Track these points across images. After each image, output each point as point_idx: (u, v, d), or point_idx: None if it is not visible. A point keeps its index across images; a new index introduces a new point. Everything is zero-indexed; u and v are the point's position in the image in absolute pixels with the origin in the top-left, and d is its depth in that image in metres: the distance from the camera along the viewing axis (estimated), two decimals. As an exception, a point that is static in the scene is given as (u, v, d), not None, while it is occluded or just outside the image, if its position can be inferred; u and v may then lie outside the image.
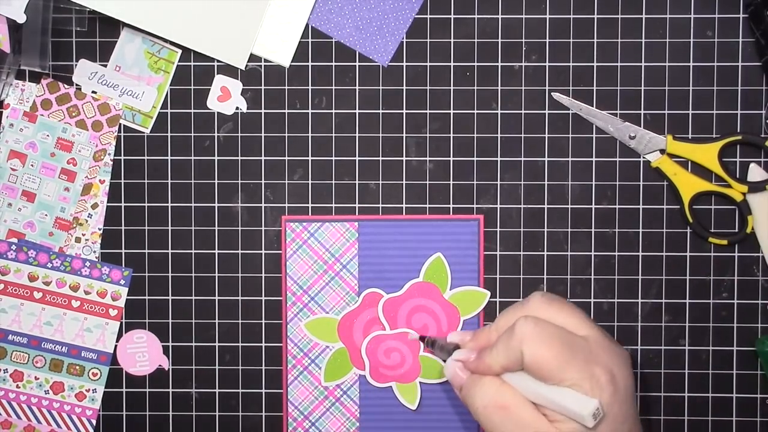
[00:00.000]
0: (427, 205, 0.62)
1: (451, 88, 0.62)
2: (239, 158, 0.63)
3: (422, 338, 0.61)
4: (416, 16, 0.62)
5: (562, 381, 0.49)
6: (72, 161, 0.62)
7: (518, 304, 0.54)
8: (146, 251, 0.63)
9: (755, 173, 0.61)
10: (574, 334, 0.50)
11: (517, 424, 0.50)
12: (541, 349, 0.49)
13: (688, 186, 0.61)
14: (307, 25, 0.62)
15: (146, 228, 0.63)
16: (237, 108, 0.63)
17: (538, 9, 0.62)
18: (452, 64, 0.62)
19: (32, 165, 0.62)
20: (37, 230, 0.62)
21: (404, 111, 0.62)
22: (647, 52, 0.62)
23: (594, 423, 0.48)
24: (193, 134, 0.63)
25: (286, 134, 0.63)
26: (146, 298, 0.63)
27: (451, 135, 0.62)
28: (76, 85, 0.62)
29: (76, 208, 0.63)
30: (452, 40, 0.62)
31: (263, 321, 0.63)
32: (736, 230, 0.62)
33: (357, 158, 0.62)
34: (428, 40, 0.62)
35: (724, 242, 0.61)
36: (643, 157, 0.62)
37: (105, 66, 0.62)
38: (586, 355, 0.49)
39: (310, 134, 0.62)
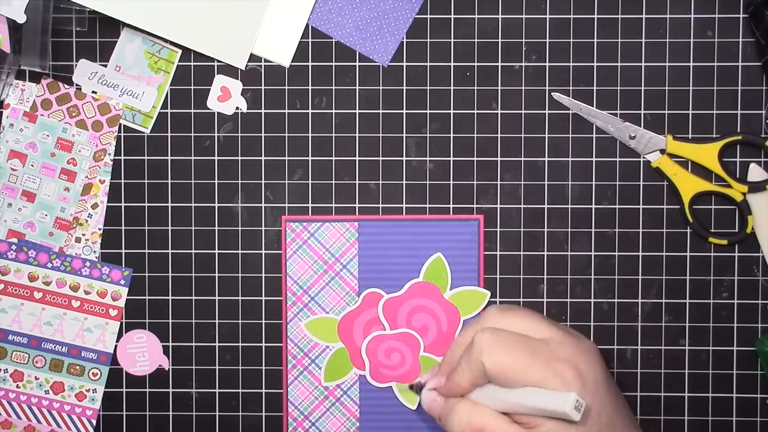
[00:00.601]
0: (427, 205, 0.62)
1: (451, 88, 0.62)
2: (239, 158, 0.63)
3: (411, 387, 0.60)
4: (416, 16, 0.62)
5: (527, 383, 0.49)
6: (72, 161, 0.62)
7: (475, 321, 0.55)
8: (146, 251, 0.63)
9: (755, 173, 0.61)
10: (532, 337, 0.51)
11: None
12: (500, 355, 0.49)
13: (688, 186, 0.61)
14: (307, 25, 0.62)
15: (146, 228, 0.63)
16: (237, 108, 0.62)
17: (538, 9, 0.62)
18: (452, 64, 0.62)
19: (32, 165, 0.62)
20: (37, 230, 0.62)
21: (404, 111, 0.62)
22: (647, 52, 0.62)
23: (580, 415, 0.46)
24: (193, 134, 0.63)
25: (286, 134, 0.62)
26: (146, 298, 0.63)
27: (451, 135, 0.62)
28: (76, 85, 0.62)
29: (76, 208, 0.63)
30: (452, 40, 0.62)
31: (263, 321, 0.63)
32: (736, 230, 0.62)
33: (357, 158, 0.62)
34: (428, 40, 0.62)
35: (724, 242, 0.61)
36: (643, 157, 0.62)
37: (105, 66, 0.62)
38: (546, 354, 0.50)
39: (310, 134, 0.62)
